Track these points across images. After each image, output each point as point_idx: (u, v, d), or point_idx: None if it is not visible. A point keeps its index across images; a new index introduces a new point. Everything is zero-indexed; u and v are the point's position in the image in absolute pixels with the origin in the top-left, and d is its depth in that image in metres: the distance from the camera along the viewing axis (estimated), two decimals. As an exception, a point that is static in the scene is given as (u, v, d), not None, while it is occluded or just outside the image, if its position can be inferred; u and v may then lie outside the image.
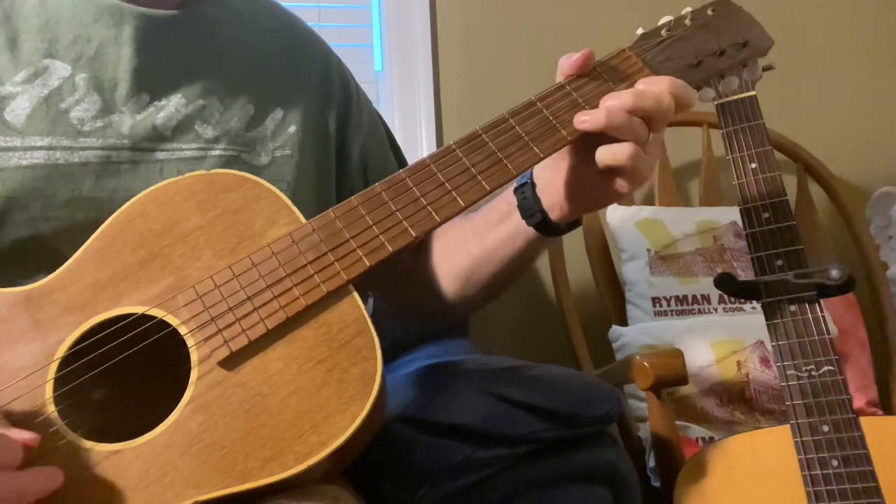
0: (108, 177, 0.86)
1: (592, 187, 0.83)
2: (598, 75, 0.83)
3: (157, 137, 0.90)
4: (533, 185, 0.86)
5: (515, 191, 0.87)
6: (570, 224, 0.88)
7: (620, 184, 0.80)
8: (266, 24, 1.04)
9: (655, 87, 0.79)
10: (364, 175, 1.06)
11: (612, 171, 0.80)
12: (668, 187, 1.83)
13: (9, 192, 0.82)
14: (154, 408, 0.71)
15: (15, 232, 0.83)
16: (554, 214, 0.85)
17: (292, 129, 0.98)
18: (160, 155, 0.89)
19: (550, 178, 0.85)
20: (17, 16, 0.89)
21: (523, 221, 0.87)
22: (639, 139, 0.77)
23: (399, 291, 1.04)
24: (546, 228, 0.86)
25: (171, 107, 0.91)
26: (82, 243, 0.78)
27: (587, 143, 0.80)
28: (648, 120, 0.78)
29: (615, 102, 0.78)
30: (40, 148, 0.84)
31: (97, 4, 0.91)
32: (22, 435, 0.65)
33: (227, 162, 0.92)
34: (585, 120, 0.79)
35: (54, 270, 0.77)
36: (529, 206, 0.86)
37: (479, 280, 0.94)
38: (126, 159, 0.87)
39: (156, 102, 0.91)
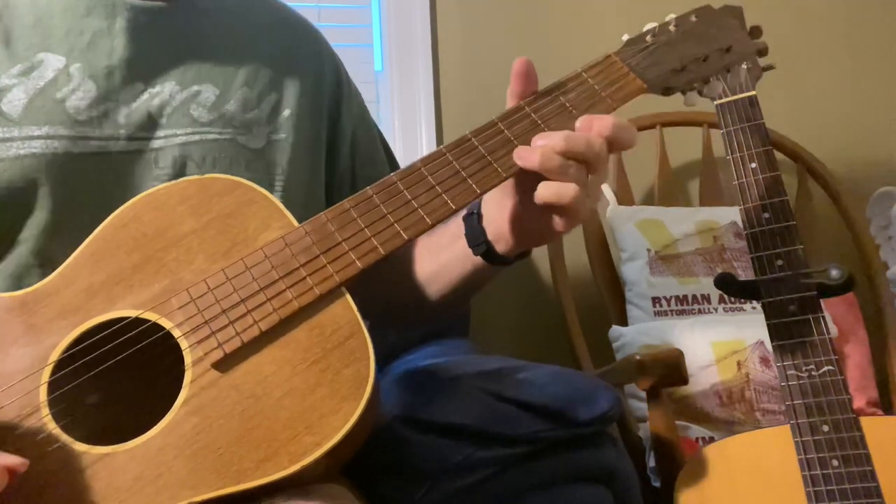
0: (106, 168, 0.87)
1: (532, 223, 0.82)
2: (585, 81, 0.84)
3: (152, 125, 0.90)
4: (479, 216, 0.86)
5: (464, 218, 0.87)
6: (519, 255, 0.87)
7: (557, 222, 0.78)
8: (260, 13, 1.05)
9: (591, 129, 0.77)
10: (352, 163, 1.07)
11: (551, 209, 0.78)
12: (668, 187, 1.83)
13: (7, 182, 0.83)
14: (149, 411, 0.71)
15: (13, 221, 0.83)
16: (499, 247, 0.85)
17: (287, 112, 0.99)
18: (156, 143, 0.90)
19: (495, 210, 0.84)
20: (10, 13, 0.90)
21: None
22: (576, 181, 0.76)
23: (377, 294, 1.04)
24: (492, 258, 0.86)
25: (166, 93, 0.92)
26: (78, 234, 0.78)
27: (529, 178, 0.79)
28: (583, 163, 0.77)
29: (546, 143, 0.76)
30: (38, 137, 0.85)
31: None
32: (8, 460, 0.64)
33: (223, 144, 0.92)
34: (522, 157, 0.78)
35: (49, 260, 0.78)
36: (475, 235, 0.86)
37: (434, 294, 0.95)
38: (122, 149, 0.88)
39: (150, 90, 0.91)
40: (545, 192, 0.76)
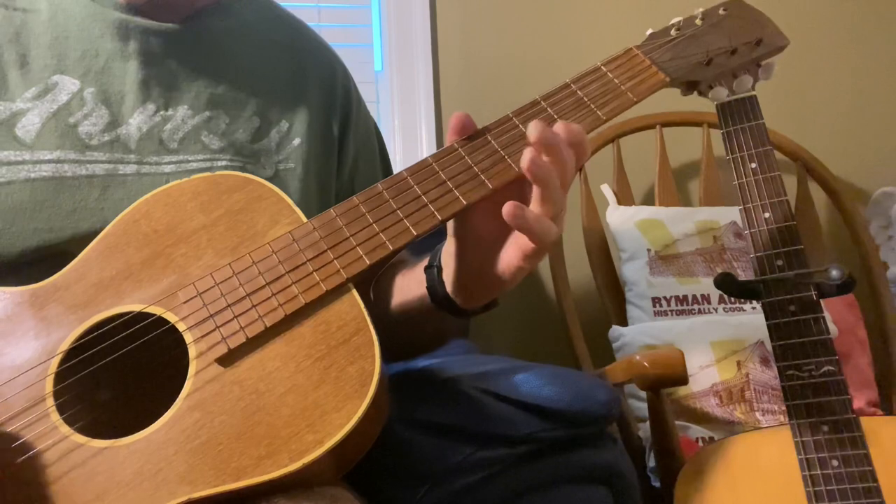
0: (115, 188, 0.87)
1: (490, 270, 0.78)
2: (604, 74, 0.82)
3: (163, 150, 0.91)
4: (439, 269, 0.85)
5: (426, 269, 0.86)
6: (485, 305, 0.85)
7: (523, 251, 0.74)
8: (273, 34, 1.04)
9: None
10: (351, 186, 1.06)
11: (514, 241, 0.75)
12: (668, 187, 1.83)
13: (16, 204, 0.83)
14: (155, 405, 0.71)
15: (23, 242, 0.83)
16: (459, 300, 0.83)
17: (297, 141, 0.98)
18: (167, 168, 0.90)
19: (452, 264, 0.82)
20: (27, 33, 0.91)
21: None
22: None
23: None
24: (455, 310, 0.84)
25: (178, 118, 0.92)
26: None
27: (482, 217, 0.78)
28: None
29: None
30: (48, 161, 0.85)
31: (104, 19, 0.92)
32: None
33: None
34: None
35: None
36: (434, 288, 0.85)
37: (402, 335, 0.93)
38: (132, 172, 0.88)
39: (162, 113, 0.92)
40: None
